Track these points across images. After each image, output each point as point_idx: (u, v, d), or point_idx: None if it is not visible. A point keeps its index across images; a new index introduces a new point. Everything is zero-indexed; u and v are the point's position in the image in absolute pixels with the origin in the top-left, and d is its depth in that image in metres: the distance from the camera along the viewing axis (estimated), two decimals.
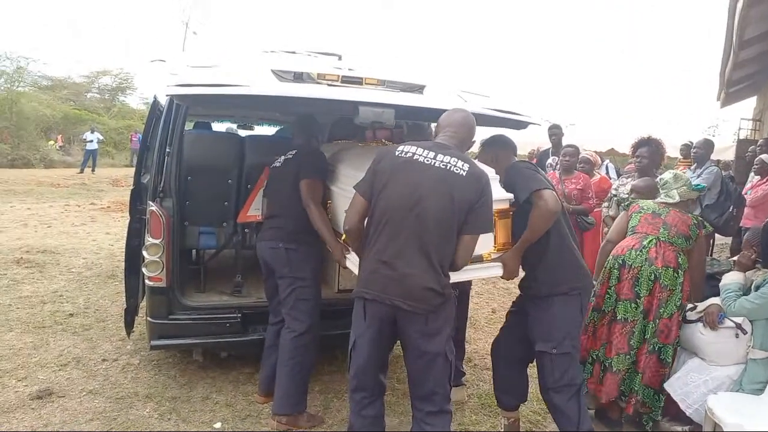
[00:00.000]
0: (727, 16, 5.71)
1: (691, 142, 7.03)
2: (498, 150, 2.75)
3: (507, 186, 2.53)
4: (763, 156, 5.84)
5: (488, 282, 5.98)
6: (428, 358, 2.22)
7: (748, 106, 11.87)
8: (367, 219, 2.26)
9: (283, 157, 3.06)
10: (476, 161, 2.44)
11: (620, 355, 2.94)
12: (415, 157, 2.23)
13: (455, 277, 2.31)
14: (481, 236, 2.29)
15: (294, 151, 3.04)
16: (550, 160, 6.11)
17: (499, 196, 2.46)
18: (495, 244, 2.51)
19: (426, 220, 2.14)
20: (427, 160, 2.21)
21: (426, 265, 2.14)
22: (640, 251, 2.96)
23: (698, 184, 3.29)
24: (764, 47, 7.01)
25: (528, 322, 2.62)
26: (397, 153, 2.27)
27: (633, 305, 2.93)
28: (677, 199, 3.10)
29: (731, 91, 9.79)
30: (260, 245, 3.01)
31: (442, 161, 2.21)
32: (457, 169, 2.19)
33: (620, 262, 3.00)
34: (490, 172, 2.44)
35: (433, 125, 3.23)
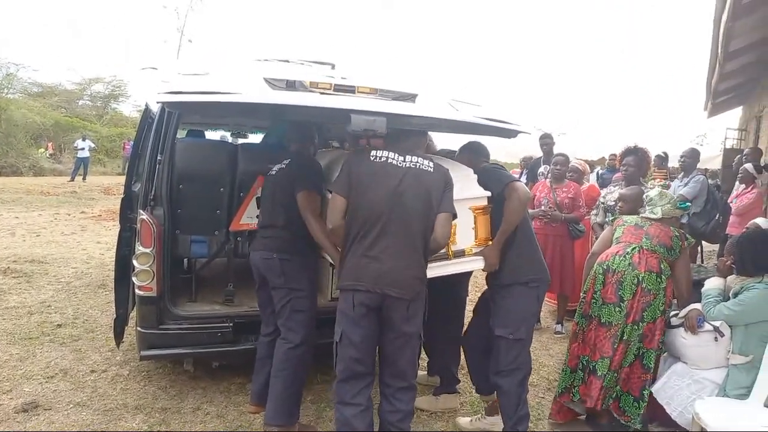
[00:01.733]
0: (712, 27, 5.80)
1: (665, 153, 7.12)
2: (470, 155, 3.08)
3: (481, 185, 2.79)
4: (747, 165, 5.93)
5: (481, 288, 5.98)
6: (405, 338, 2.46)
7: (735, 116, 12.07)
8: (347, 219, 2.46)
9: (277, 166, 3.04)
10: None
11: (603, 358, 2.98)
12: (389, 161, 2.48)
13: (442, 270, 2.61)
14: (462, 231, 2.65)
15: (288, 160, 3.02)
16: (541, 169, 6.15)
17: (478, 194, 2.76)
18: (476, 238, 2.76)
19: (410, 215, 2.41)
20: (400, 163, 2.49)
21: (413, 255, 2.41)
22: (624, 257, 3.03)
23: (683, 203, 3.36)
24: (749, 59, 7.14)
25: (491, 310, 2.88)
26: (372, 158, 2.50)
27: (617, 309, 2.98)
28: (659, 215, 3.18)
29: (718, 101, 9.94)
30: (254, 255, 2.99)
31: (411, 161, 2.50)
32: (425, 167, 2.50)
33: (605, 267, 3.07)
34: (467, 170, 2.82)
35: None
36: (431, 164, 2.52)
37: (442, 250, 2.59)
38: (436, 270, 2.60)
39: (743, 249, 2.92)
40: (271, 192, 3.03)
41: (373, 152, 2.51)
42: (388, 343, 2.47)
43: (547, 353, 4.44)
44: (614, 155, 8.99)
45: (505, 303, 2.80)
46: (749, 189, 5.71)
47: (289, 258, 2.89)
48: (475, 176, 2.82)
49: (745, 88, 9.33)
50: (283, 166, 3.00)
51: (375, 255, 2.37)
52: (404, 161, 2.49)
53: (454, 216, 2.51)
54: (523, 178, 7.91)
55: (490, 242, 2.76)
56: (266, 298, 3.01)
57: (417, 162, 2.50)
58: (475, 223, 2.74)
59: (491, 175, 2.81)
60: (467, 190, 2.75)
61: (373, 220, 2.39)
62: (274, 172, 3.04)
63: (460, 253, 2.71)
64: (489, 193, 2.75)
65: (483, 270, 2.81)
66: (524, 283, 2.78)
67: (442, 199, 2.47)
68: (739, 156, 7.25)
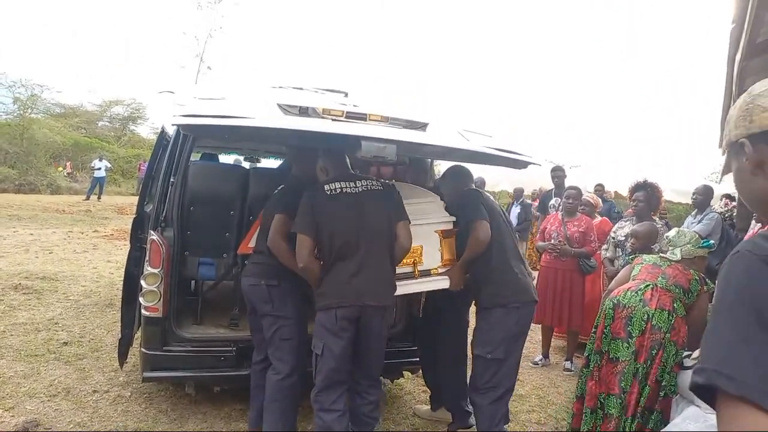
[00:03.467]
0: (726, 65, 5.81)
1: (602, 185, 7.03)
2: (454, 180, 3.33)
3: (457, 206, 3.08)
4: None
5: None
6: (381, 340, 2.74)
7: None
8: (321, 249, 2.67)
9: (275, 192, 3.09)
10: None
11: (610, 396, 2.89)
12: (344, 191, 2.72)
13: (410, 288, 2.97)
14: (429, 253, 2.99)
15: (282, 186, 3.05)
16: (552, 201, 6.13)
17: (444, 219, 3.09)
18: (441, 260, 3.04)
19: (376, 234, 2.68)
20: (353, 189, 2.72)
21: (386, 267, 2.71)
22: (636, 292, 2.97)
23: (706, 241, 3.25)
24: None
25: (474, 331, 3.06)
26: (327, 191, 2.71)
27: (624, 345, 2.91)
28: (679, 257, 3.09)
29: None
30: (243, 282, 3.00)
31: (362, 185, 2.75)
32: (374, 187, 2.78)
33: (615, 302, 3.01)
34: (434, 197, 3.18)
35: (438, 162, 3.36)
36: (377, 183, 2.81)
37: (409, 270, 2.95)
38: (404, 288, 2.90)
39: None
40: (265, 218, 3.04)
41: (327, 186, 2.73)
42: (365, 346, 2.72)
43: (556, 390, 4.33)
44: (601, 185, 9.04)
45: (484, 324, 2.95)
46: (765, 227, 5.62)
47: (277, 284, 2.89)
48: (442, 203, 3.14)
49: None
50: (277, 191, 3.04)
51: (353, 273, 2.62)
52: (356, 186, 2.73)
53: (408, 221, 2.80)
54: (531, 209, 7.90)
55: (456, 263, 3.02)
56: (258, 325, 2.99)
57: (366, 184, 2.76)
58: (441, 246, 3.05)
59: (467, 203, 3.03)
60: (435, 215, 3.09)
61: (346, 247, 2.64)
62: (271, 198, 3.08)
63: (427, 273, 3.02)
64: (454, 218, 3.07)
65: (449, 288, 3.02)
66: (503, 306, 2.90)
67: (396, 209, 2.76)
68: None
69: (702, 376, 0.75)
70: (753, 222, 5.83)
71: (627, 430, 2.85)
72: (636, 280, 3.09)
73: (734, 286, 0.80)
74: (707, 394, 0.76)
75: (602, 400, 2.99)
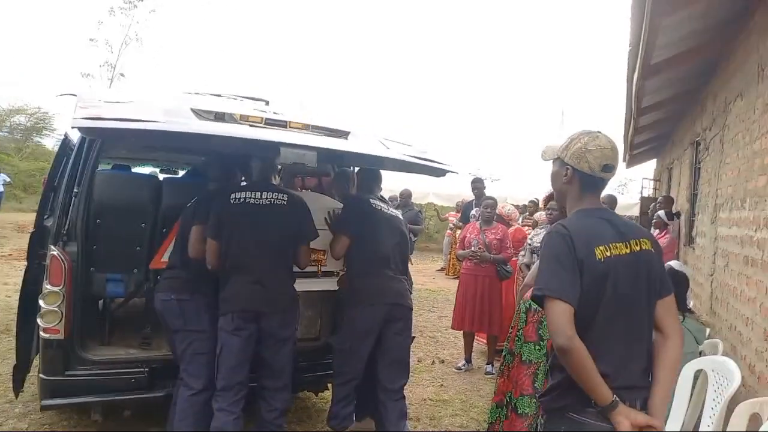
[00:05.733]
0: (626, 85, 6.30)
1: (537, 200, 7.40)
2: (338, 183, 3.59)
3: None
4: (660, 212, 6.37)
5: (416, 330, 5.96)
6: (282, 344, 2.84)
7: (651, 166, 13.03)
8: (223, 253, 2.76)
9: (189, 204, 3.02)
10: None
11: (524, 396, 3.01)
12: (248, 201, 2.78)
13: (309, 286, 3.22)
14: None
15: (195, 198, 3.00)
16: (473, 212, 6.33)
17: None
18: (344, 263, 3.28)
19: (271, 247, 2.80)
20: (257, 201, 2.79)
21: (283, 280, 2.87)
22: None
23: None
24: (659, 115, 7.77)
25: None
26: (232, 200, 2.78)
27: (537, 347, 3.05)
28: None
29: (635, 153, 10.70)
30: (155, 297, 2.92)
31: (266, 198, 2.82)
32: (279, 201, 2.84)
33: (527, 306, 3.13)
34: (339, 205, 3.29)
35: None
36: (285, 197, 2.87)
37: (314, 269, 3.22)
38: (303, 285, 3.10)
39: None
40: (179, 231, 2.99)
41: (233, 195, 2.79)
42: (265, 349, 2.82)
43: (478, 394, 4.43)
44: (534, 201, 9.19)
45: (345, 319, 3.19)
46: (662, 234, 6.11)
47: (189, 298, 2.82)
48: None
49: (657, 141, 10.12)
50: (190, 204, 2.98)
51: (250, 282, 2.74)
52: (261, 198, 2.80)
53: (315, 237, 2.99)
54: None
55: None
56: (173, 342, 2.89)
57: (271, 198, 2.82)
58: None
59: (343, 210, 3.22)
60: None
61: (243, 255, 2.75)
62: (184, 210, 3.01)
63: (330, 274, 3.32)
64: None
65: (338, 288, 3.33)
66: (362, 304, 3.10)
67: (299, 228, 2.88)
68: (653, 204, 7.79)
69: (539, 292, 1.57)
70: (652, 229, 6.35)
71: (539, 429, 2.96)
72: None
73: (549, 247, 1.61)
74: (540, 302, 1.59)
75: (508, 398, 3.11)
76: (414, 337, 3.48)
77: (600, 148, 1.65)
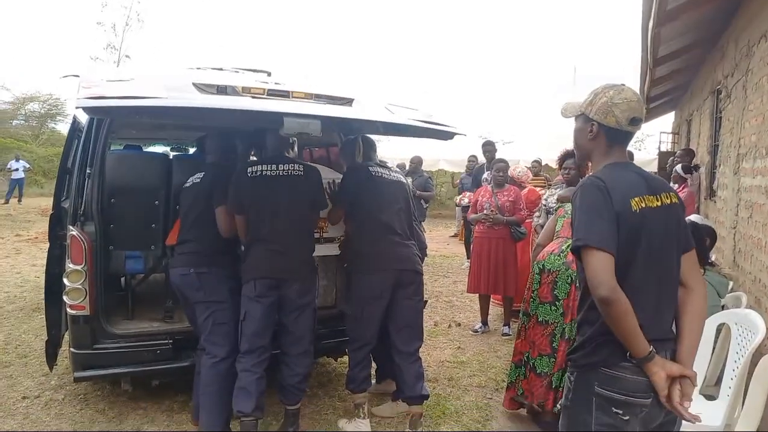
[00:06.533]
0: (641, 34, 6.09)
1: (540, 159, 7.21)
2: (343, 155, 3.48)
3: None
4: (677, 167, 6.24)
5: (431, 296, 6.04)
6: (301, 309, 2.91)
7: (669, 120, 12.70)
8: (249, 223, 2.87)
9: (191, 180, 3.05)
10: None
11: (542, 356, 3.04)
12: (264, 174, 2.86)
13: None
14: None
15: (202, 173, 3.04)
16: (485, 175, 6.28)
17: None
18: (345, 230, 3.38)
19: (291, 216, 2.88)
20: (273, 172, 2.87)
21: (304, 248, 2.97)
22: (558, 255, 3.09)
23: None
24: (677, 65, 7.52)
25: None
26: (249, 174, 2.86)
27: (552, 308, 3.05)
28: None
29: (651, 106, 10.42)
30: (171, 272, 2.98)
31: (283, 169, 2.89)
32: (295, 172, 2.92)
33: (540, 266, 3.13)
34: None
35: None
36: (300, 168, 2.96)
37: (316, 236, 3.24)
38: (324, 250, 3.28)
39: None
40: (186, 206, 3.04)
41: (249, 169, 2.88)
42: (286, 314, 2.90)
43: (495, 355, 4.49)
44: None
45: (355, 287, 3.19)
46: (681, 189, 6.00)
47: (207, 270, 2.89)
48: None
49: (675, 93, 9.83)
50: (198, 180, 3.02)
51: (272, 251, 2.82)
52: (277, 169, 2.87)
53: (326, 207, 3.12)
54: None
55: None
56: (193, 314, 2.97)
57: (288, 169, 2.90)
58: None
59: (341, 184, 3.24)
60: None
61: (264, 225, 2.84)
62: (188, 185, 3.05)
63: (331, 240, 3.43)
64: None
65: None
66: (365, 271, 3.12)
67: (315, 198, 3.01)
68: (671, 158, 7.62)
69: (579, 243, 1.54)
70: (671, 184, 6.25)
71: (555, 384, 3.00)
72: (559, 237, 3.21)
73: (586, 199, 1.57)
74: (578, 253, 1.56)
75: (526, 358, 3.14)
76: (426, 300, 3.50)
77: (627, 101, 1.62)
